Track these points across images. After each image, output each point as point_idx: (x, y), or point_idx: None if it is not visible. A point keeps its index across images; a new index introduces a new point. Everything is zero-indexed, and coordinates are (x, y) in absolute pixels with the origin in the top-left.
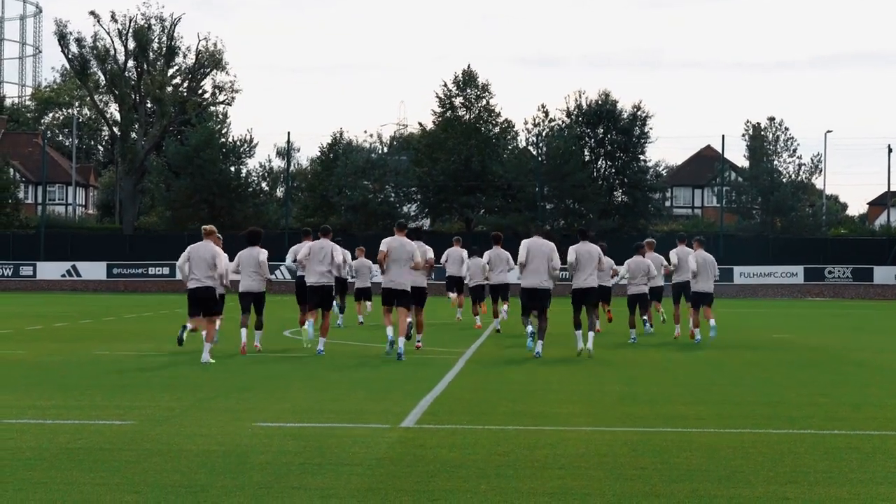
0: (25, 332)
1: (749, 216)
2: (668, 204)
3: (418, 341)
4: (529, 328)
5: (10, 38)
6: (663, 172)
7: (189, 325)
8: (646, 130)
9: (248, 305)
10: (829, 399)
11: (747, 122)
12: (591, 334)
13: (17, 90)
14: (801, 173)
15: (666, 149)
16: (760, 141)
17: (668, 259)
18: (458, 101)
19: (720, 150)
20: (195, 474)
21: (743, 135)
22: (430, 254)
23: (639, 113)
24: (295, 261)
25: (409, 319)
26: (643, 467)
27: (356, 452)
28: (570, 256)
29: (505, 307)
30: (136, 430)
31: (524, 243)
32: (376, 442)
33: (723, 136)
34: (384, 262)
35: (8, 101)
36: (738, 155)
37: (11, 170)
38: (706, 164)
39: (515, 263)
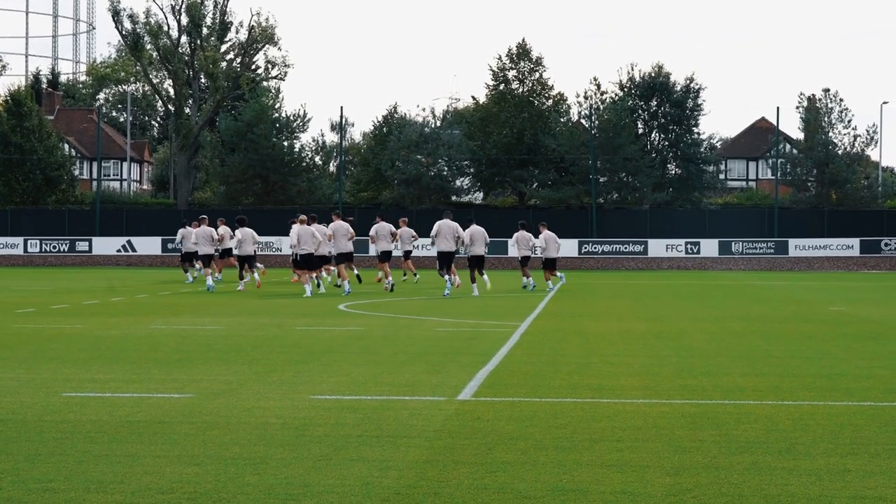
0: (83, 306)
1: (804, 188)
2: (722, 177)
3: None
4: (448, 283)
5: (65, 15)
6: (717, 145)
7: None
8: (699, 103)
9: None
10: (888, 371)
11: (801, 94)
12: (486, 279)
13: (71, 66)
14: (856, 145)
15: (720, 121)
16: (815, 113)
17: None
18: (511, 74)
19: (775, 122)
20: (254, 447)
21: (797, 106)
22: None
23: (692, 85)
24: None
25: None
26: (702, 440)
27: (414, 425)
28: (466, 237)
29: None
30: (194, 402)
31: (437, 223)
32: (434, 414)
33: (777, 108)
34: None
35: (63, 78)
36: (792, 127)
37: (66, 146)
38: (760, 137)
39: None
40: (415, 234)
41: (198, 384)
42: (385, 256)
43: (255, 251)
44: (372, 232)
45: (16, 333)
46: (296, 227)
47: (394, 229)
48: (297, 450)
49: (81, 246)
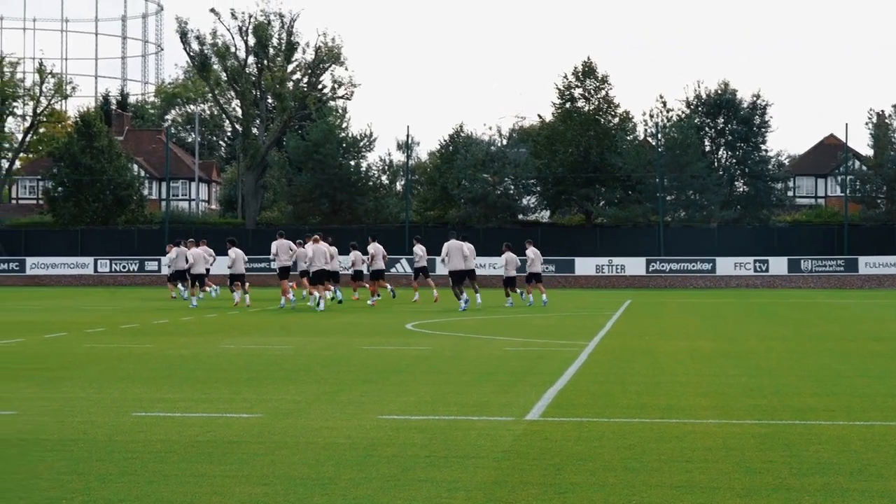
0: (152, 325)
1: (874, 205)
2: (790, 194)
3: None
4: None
5: (133, 37)
6: (785, 162)
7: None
8: (766, 119)
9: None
10: None
11: (870, 109)
12: (477, 296)
13: (140, 87)
14: None
15: (788, 138)
16: (885, 129)
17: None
18: (577, 92)
19: (844, 139)
20: (322, 467)
21: (866, 122)
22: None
23: (759, 102)
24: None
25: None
26: (772, 460)
27: (482, 445)
28: (441, 250)
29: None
30: (263, 422)
31: (445, 245)
32: (502, 435)
33: (846, 125)
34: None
35: (132, 99)
36: (861, 143)
37: (135, 166)
38: (829, 153)
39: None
40: (384, 252)
41: (267, 404)
42: (378, 274)
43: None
44: (372, 250)
45: (86, 353)
46: (309, 245)
47: (383, 251)
48: (365, 470)
49: (151, 265)
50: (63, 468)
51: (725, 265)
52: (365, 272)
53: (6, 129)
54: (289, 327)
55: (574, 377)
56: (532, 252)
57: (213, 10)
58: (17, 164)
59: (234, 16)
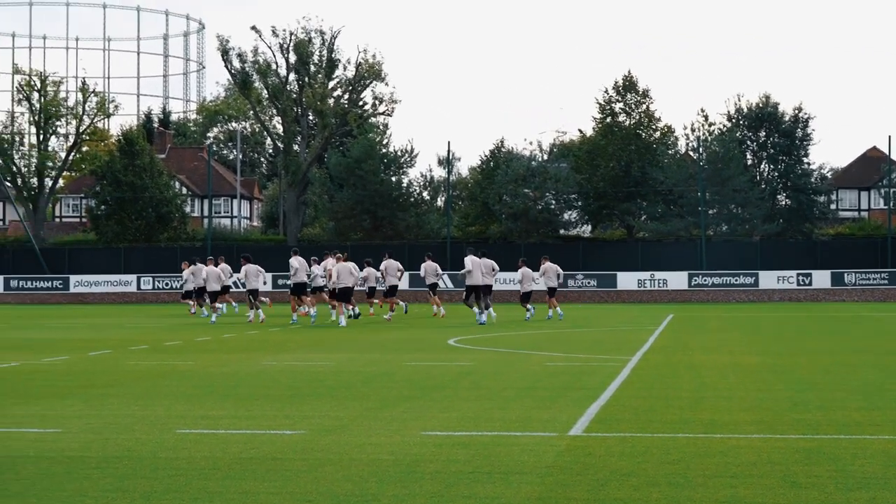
0: (195, 343)
1: None
2: (833, 207)
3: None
4: (476, 309)
5: (175, 55)
6: (828, 175)
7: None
8: (808, 132)
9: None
10: None
11: None
12: (491, 311)
13: (182, 105)
14: None
15: (830, 150)
16: None
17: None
18: (618, 106)
19: (886, 151)
20: (366, 483)
21: None
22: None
23: (801, 115)
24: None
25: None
26: (817, 475)
27: (525, 461)
28: (467, 265)
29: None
30: (306, 439)
31: (467, 259)
32: (545, 450)
33: (889, 137)
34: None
35: (174, 117)
36: None
37: (178, 184)
38: (872, 166)
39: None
40: (401, 267)
41: (309, 420)
42: (392, 291)
43: (259, 286)
44: (383, 266)
45: (130, 370)
46: (333, 263)
47: (400, 265)
48: (409, 486)
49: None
50: (108, 486)
51: (768, 279)
52: (378, 288)
53: (50, 148)
54: (329, 344)
55: (617, 392)
56: (545, 266)
57: (254, 28)
58: (61, 182)
59: (275, 33)
